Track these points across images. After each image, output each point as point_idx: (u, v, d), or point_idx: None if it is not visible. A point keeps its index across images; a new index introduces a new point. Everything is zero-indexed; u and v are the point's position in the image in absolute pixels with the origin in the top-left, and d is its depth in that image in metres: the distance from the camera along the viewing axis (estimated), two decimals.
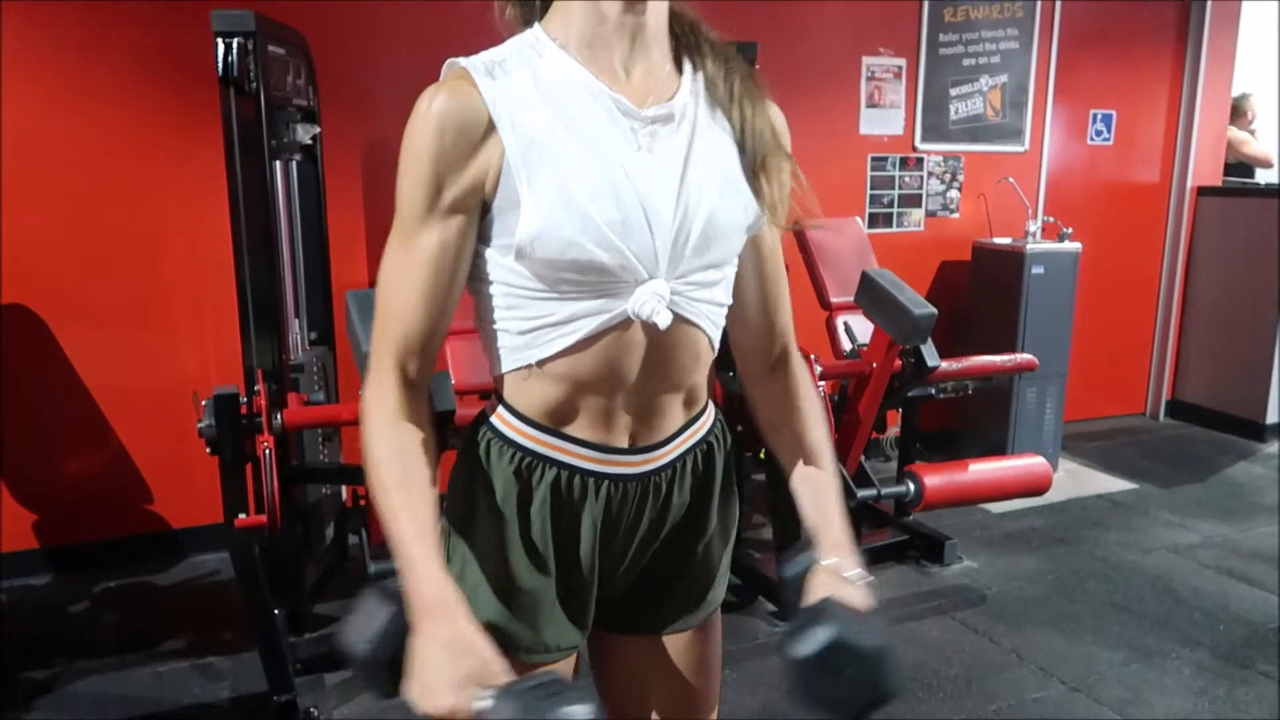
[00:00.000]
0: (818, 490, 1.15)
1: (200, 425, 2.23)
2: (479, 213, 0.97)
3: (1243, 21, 4.82)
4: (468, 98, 0.94)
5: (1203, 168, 4.87)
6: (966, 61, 4.26)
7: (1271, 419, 4.69)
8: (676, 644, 1.19)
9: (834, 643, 0.97)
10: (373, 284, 3.14)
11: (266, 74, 2.53)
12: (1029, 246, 4.06)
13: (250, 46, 2.45)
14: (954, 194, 4.38)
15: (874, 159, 4.19)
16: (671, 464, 1.10)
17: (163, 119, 3.10)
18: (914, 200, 4.31)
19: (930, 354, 2.91)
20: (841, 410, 3.11)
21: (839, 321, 3.56)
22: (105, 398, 3.21)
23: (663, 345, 1.02)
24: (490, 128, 0.94)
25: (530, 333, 1.00)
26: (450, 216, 0.95)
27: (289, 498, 2.62)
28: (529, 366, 1.02)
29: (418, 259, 0.96)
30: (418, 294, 0.97)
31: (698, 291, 1.02)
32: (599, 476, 1.06)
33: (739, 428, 3.09)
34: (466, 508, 1.08)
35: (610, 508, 1.07)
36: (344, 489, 3.13)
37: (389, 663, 0.90)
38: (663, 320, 0.97)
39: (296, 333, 2.98)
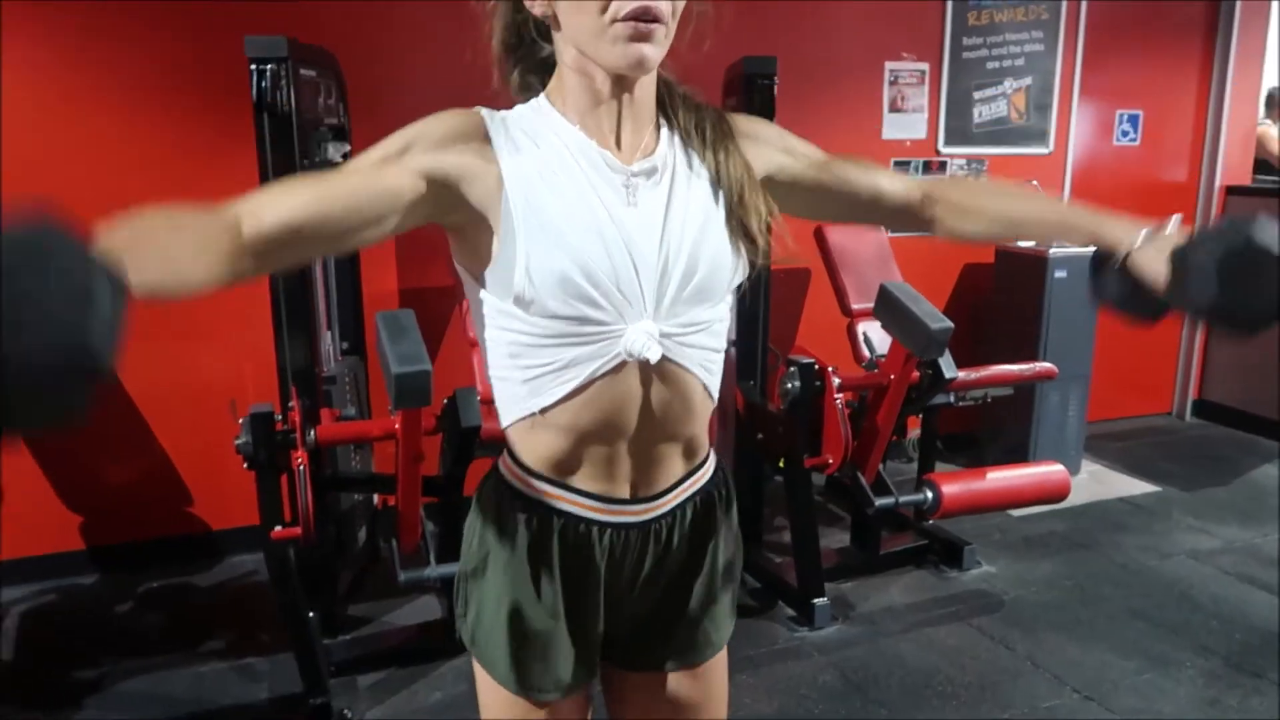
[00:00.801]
0: (1064, 216, 1.19)
1: (238, 442, 2.33)
2: (421, 209, 1.01)
3: (1273, 17, 4.77)
4: (475, 119, 1.06)
5: (1231, 167, 4.83)
6: (990, 64, 4.27)
7: None
8: (681, 681, 1.25)
9: (1250, 242, 0.93)
10: (402, 297, 3.24)
11: (299, 97, 2.61)
12: (1052, 250, 4.06)
13: (283, 71, 2.54)
14: None
15: (896, 163, 4.21)
16: (672, 512, 1.17)
17: (198, 133, 3.19)
18: None
19: (948, 366, 2.94)
20: (860, 419, 3.16)
21: (859, 330, 3.60)
22: (146, 404, 3.33)
23: (658, 393, 1.09)
24: (487, 145, 1.04)
25: (532, 381, 1.07)
26: (391, 169, 1.00)
27: (322, 504, 2.72)
28: (532, 416, 1.09)
29: (334, 175, 1.00)
30: (308, 193, 0.96)
31: (688, 335, 1.09)
32: (603, 525, 1.13)
33: (759, 435, 3.16)
34: (481, 556, 1.16)
35: (614, 554, 1.15)
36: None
37: None
38: (653, 355, 1.04)
39: (329, 345, 3.07)
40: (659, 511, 1.16)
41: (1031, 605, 3.14)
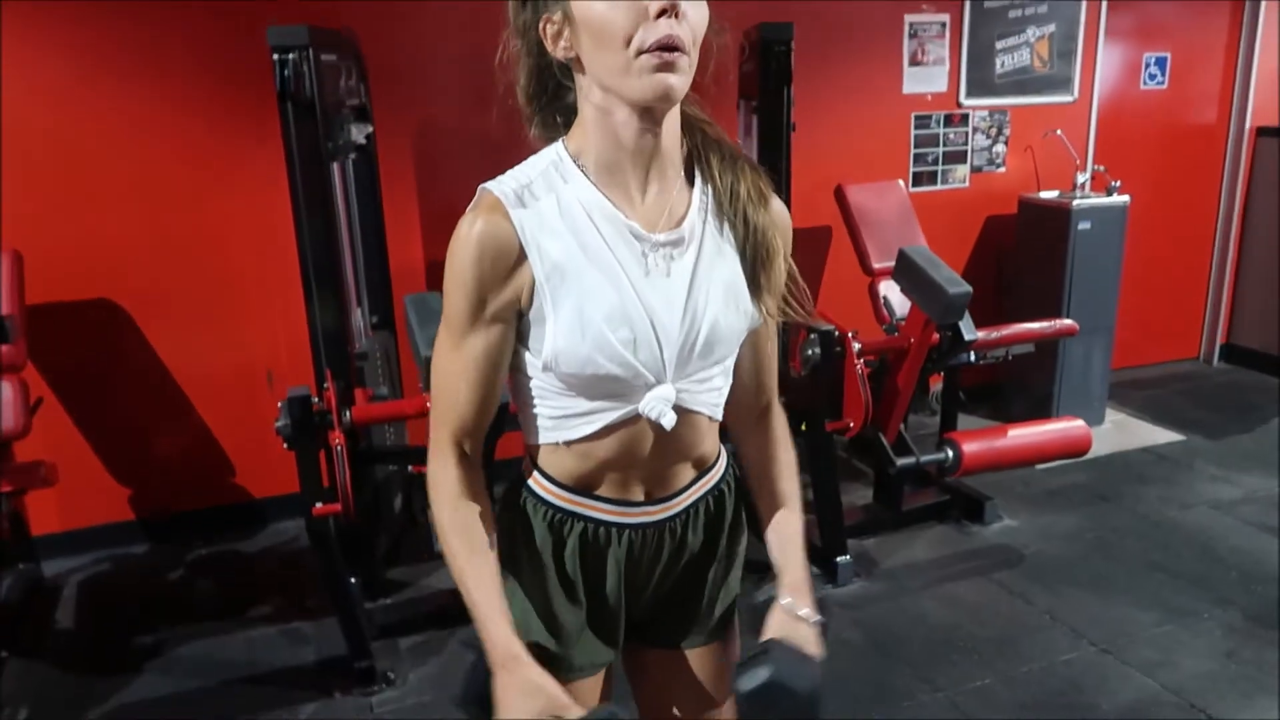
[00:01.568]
0: (785, 538, 1.30)
1: (278, 425, 2.43)
2: (515, 320, 1.11)
3: None
4: (501, 227, 1.07)
5: (1262, 107, 4.75)
6: (1013, 13, 4.20)
7: None
8: (695, 657, 1.35)
9: (771, 682, 1.13)
10: (429, 268, 3.30)
11: (321, 83, 2.64)
12: (1075, 202, 4.04)
13: (304, 59, 2.57)
14: (1000, 149, 4.36)
15: (918, 117, 4.18)
16: (685, 510, 1.25)
17: (227, 121, 3.25)
18: (959, 157, 4.31)
19: (968, 328, 2.97)
20: (881, 379, 3.20)
21: (881, 289, 3.63)
22: (187, 381, 3.45)
23: (671, 432, 1.16)
24: (521, 255, 1.07)
25: (557, 419, 1.15)
26: (492, 325, 1.10)
27: (359, 475, 2.82)
28: (557, 444, 1.17)
29: (467, 359, 1.11)
30: (468, 387, 1.13)
31: (700, 386, 1.17)
32: (621, 526, 1.21)
33: (781, 398, 3.22)
34: (512, 553, 1.25)
35: (632, 550, 1.23)
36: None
37: (478, 697, 1.13)
38: (668, 423, 1.12)
39: (359, 321, 3.15)
40: (673, 511, 1.24)
41: (1052, 559, 3.21)
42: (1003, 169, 4.40)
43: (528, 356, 1.13)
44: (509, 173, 1.12)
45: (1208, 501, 3.58)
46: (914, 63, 4.11)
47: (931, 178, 4.29)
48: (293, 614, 3.02)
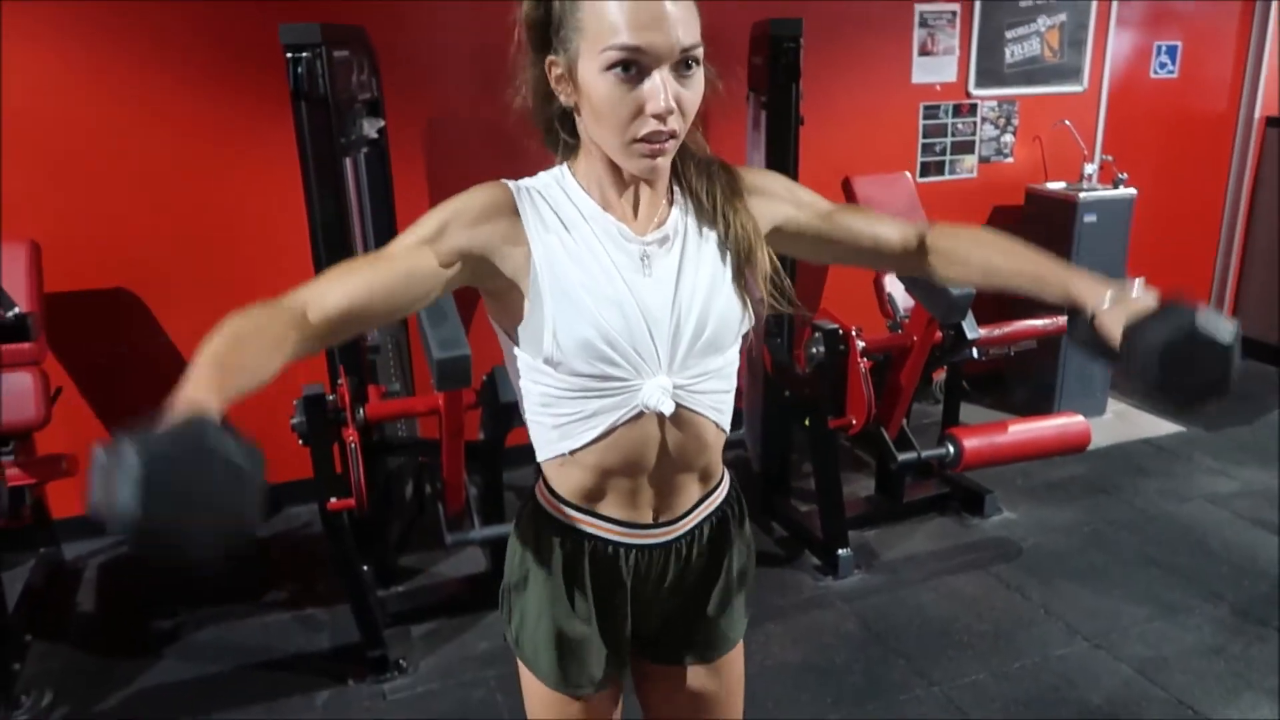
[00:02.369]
0: (1041, 270, 1.23)
1: (293, 422, 2.49)
2: (453, 277, 1.13)
3: None
4: (505, 195, 1.15)
5: (1272, 97, 4.74)
6: (1024, 3, 4.19)
7: None
8: (700, 673, 1.41)
9: (1194, 331, 1.01)
10: None
11: (333, 79, 2.67)
12: (1081, 195, 4.06)
13: (317, 56, 2.60)
14: (1008, 138, 4.37)
15: (926, 108, 4.19)
16: (690, 531, 1.31)
17: (244, 115, 3.28)
18: (967, 147, 4.32)
19: (970, 327, 3.02)
20: (884, 373, 3.25)
21: (886, 284, 3.66)
22: None
23: (674, 435, 1.22)
24: (517, 220, 1.14)
25: (561, 427, 1.20)
26: (429, 250, 1.11)
27: (371, 466, 2.89)
28: (563, 456, 1.22)
29: (382, 259, 1.10)
30: (360, 279, 1.09)
31: (700, 384, 1.21)
32: (628, 547, 1.27)
33: (786, 393, 3.28)
34: (522, 573, 1.32)
35: (639, 570, 1.29)
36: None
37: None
38: (666, 408, 1.16)
39: None
40: (679, 532, 1.30)
41: (1048, 552, 3.27)
42: (1011, 159, 4.41)
43: (527, 362, 1.18)
44: (520, 180, 1.20)
45: (1204, 494, 3.64)
46: (923, 52, 4.11)
47: (939, 168, 4.31)
48: (307, 600, 3.10)
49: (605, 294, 1.13)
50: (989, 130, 4.33)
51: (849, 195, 3.85)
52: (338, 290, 1.08)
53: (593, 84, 1.05)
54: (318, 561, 3.30)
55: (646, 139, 1.06)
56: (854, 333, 3.02)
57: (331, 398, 2.53)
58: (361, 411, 2.58)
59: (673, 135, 1.07)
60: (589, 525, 1.26)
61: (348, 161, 3.02)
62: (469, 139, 3.47)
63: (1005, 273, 1.27)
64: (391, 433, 3.18)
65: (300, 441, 2.52)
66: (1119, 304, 1.10)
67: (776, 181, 1.31)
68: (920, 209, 3.93)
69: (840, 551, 3.12)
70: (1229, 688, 2.57)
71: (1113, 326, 1.09)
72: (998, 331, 3.24)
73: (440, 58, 3.42)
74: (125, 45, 3.15)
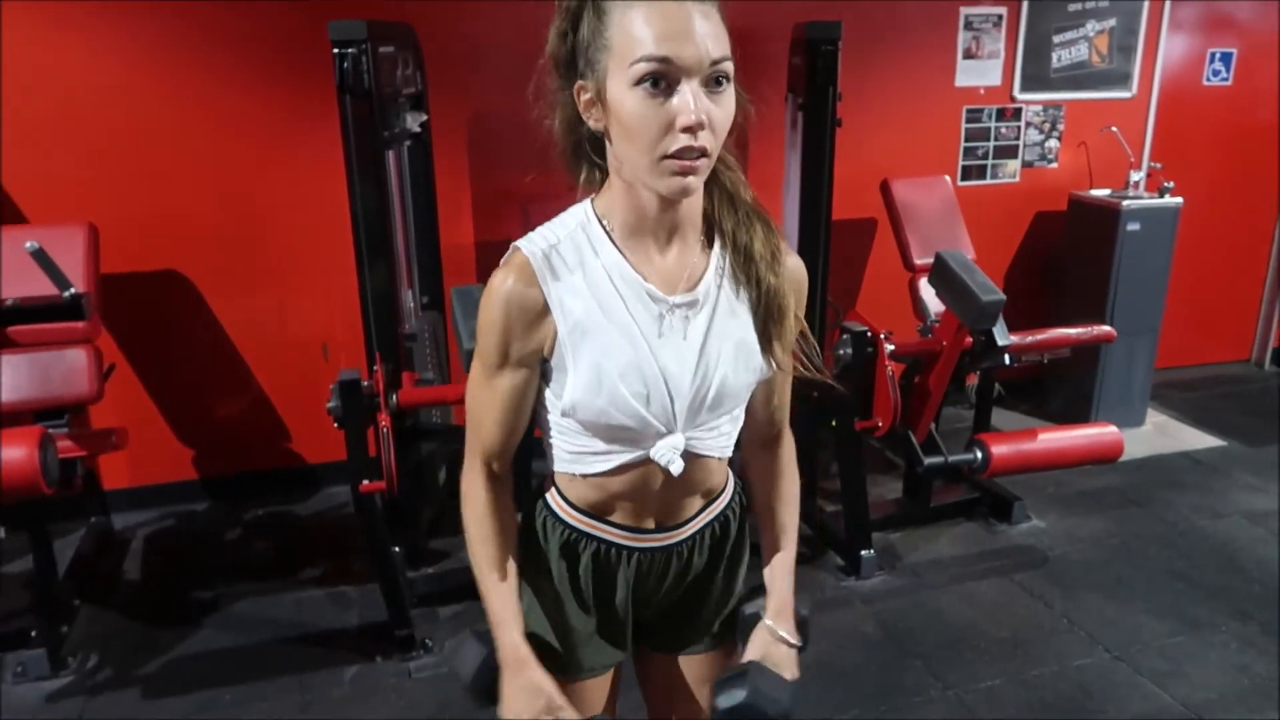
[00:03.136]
0: (777, 564, 1.42)
1: (329, 406, 2.58)
2: (539, 365, 1.22)
3: None
4: (529, 285, 1.16)
5: None
6: (1073, 7, 4.15)
7: None
8: (697, 663, 1.46)
9: (746, 703, 1.24)
10: (478, 250, 3.41)
11: (378, 75, 2.75)
12: (1125, 202, 4.01)
13: (362, 52, 2.68)
14: (1053, 144, 4.33)
15: (969, 111, 4.17)
16: (692, 536, 1.35)
17: (292, 107, 3.39)
18: (1010, 151, 4.29)
19: (1001, 334, 3.00)
20: (914, 375, 3.25)
21: (920, 285, 3.66)
22: (247, 349, 3.63)
23: (681, 471, 1.26)
24: (546, 309, 1.17)
25: (575, 454, 1.26)
26: (517, 368, 1.21)
27: (404, 452, 2.97)
28: (574, 475, 1.28)
29: (496, 394, 1.23)
30: (497, 420, 1.25)
31: (709, 434, 1.26)
32: (631, 549, 1.33)
33: (814, 394, 3.29)
34: (531, 564, 1.37)
35: (641, 569, 1.35)
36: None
37: (484, 689, 1.30)
38: (675, 468, 1.22)
39: (409, 302, 3.29)
40: (681, 537, 1.34)
41: (1075, 562, 3.25)
42: (1055, 165, 4.37)
43: (550, 398, 1.23)
44: (540, 230, 1.20)
45: (1240, 511, 3.58)
46: (968, 56, 4.09)
47: (981, 171, 4.28)
48: (339, 578, 3.20)
49: (628, 360, 1.16)
50: (1033, 135, 4.29)
51: (887, 197, 3.85)
52: (497, 434, 1.26)
53: (621, 100, 1.05)
54: (351, 541, 3.40)
55: (677, 155, 1.04)
56: (883, 336, 3.03)
57: (367, 383, 2.61)
58: (395, 397, 2.66)
59: (704, 153, 1.05)
60: (594, 528, 1.32)
61: (390, 154, 3.11)
62: (510, 134, 3.54)
63: (760, 516, 1.46)
64: (426, 419, 3.27)
65: (335, 424, 2.60)
66: (767, 632, 1.36)
67: (802, 289, 1.30)
68: (958, 212, 3.91)
69: (863, 552, 3.14)
70: (1251, 707, 2.55)
71: (751, 640, 1.36)
72: (1030, 339, 3.22)
73: (485, 55, 3.49)
74: (182, 44, 3.27)
